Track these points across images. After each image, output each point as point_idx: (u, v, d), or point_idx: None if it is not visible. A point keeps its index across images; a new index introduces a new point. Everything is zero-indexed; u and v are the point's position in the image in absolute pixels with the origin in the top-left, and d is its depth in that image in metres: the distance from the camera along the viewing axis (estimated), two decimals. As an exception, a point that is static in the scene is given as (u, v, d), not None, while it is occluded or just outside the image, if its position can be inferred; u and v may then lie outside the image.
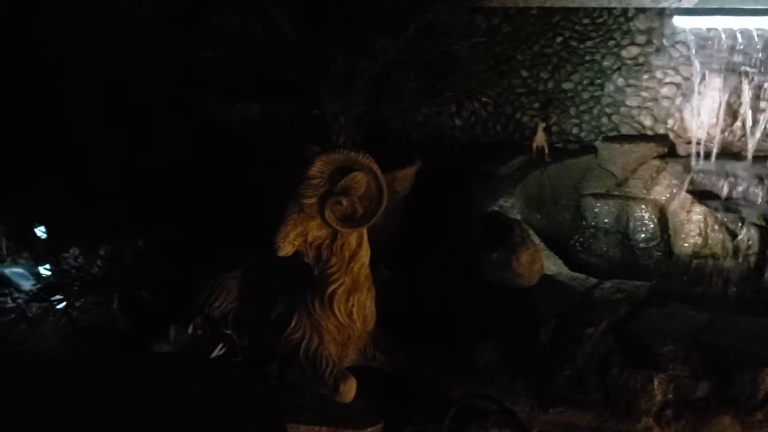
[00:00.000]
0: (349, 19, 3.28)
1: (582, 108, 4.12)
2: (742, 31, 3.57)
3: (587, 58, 4.01)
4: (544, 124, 4.02)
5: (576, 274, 2.88)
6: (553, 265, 2.99)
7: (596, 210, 3.93)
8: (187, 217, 3.42)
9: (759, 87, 3.71)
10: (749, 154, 3.79)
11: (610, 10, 3.89)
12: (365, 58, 3.28)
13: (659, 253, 3.78)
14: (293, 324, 2.47)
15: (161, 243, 3.30)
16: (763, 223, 3.52)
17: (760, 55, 3.61)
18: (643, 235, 3.84)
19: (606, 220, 3.91)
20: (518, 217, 3.44)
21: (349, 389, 2.39)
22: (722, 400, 2.23)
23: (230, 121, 3.92)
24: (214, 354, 2.57)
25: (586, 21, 3.95)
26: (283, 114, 3.87)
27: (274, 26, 3.28)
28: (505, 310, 2.58)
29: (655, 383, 2.24)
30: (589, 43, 3.99)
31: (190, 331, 2.65)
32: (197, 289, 2.74)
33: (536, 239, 3.19)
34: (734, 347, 2.32)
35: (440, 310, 2.72)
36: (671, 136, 4.00)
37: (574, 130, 4.17)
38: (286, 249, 2.30)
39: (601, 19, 3.93)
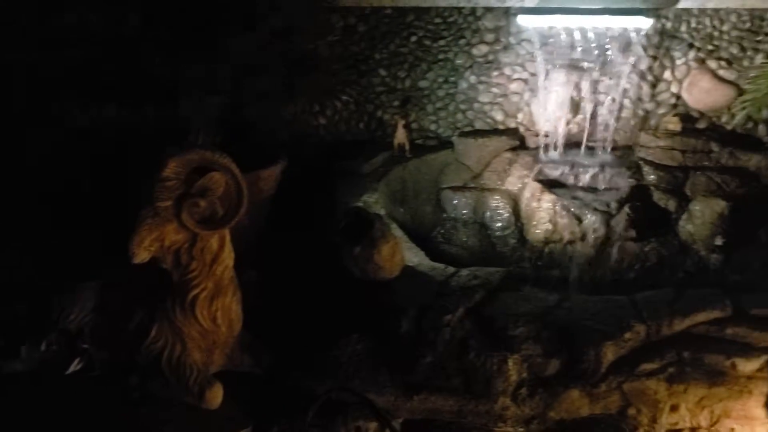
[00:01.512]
0: (207, 19, 3.22)
1: (438, 105, 4.26)
2: (579, 29, 3.82)
3: (441, 56, 4.15)
4: (403, 122, 4.12)
5: (436, 264, 2.97)
6: (414, 256, 3.08)
7: (455, 202, 4.09)
8: (47, 228, 3.22)
9: (597, 82, 4.00)
10: (591, 145, 4.08)
11: (459, 9, 4.05)
12: (225, 57, 3.23)
13: (514, 241, 3.98)
14: (154, 333, 2.38)
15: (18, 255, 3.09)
16: (606, 208, 3.79)
17: (596, 51, 3.89)
18: (499, 224, 4.03)
19: (464, 212, 4.08)
20: (382, 212, 3.51)
21: (215, 395, 2.35)
22: (571, 375, 2.40)
23: (87, 122, 3.73)
24: (70, 370, 2.45)
25: (438, 20, 4.09)
26: (143, 115, 3.73)
27: (131, 28, 3.16)
28: (369, 303, 2.63)
29: (510, 364, 2.36)
30: (441, 42, 4.13)
31: (43, 348, 2.51)
32: (51, 302, 2.60)
33: (398, 232, 3.28)
34: (581, 325, 2.48)
35: (307, 307, 2.73)
36: (521, 129, 4.23)
37: (432, 127, 4.32)
38: (141, 255, 2.21)
39: (452, 19, 4.08)
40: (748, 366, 2.37)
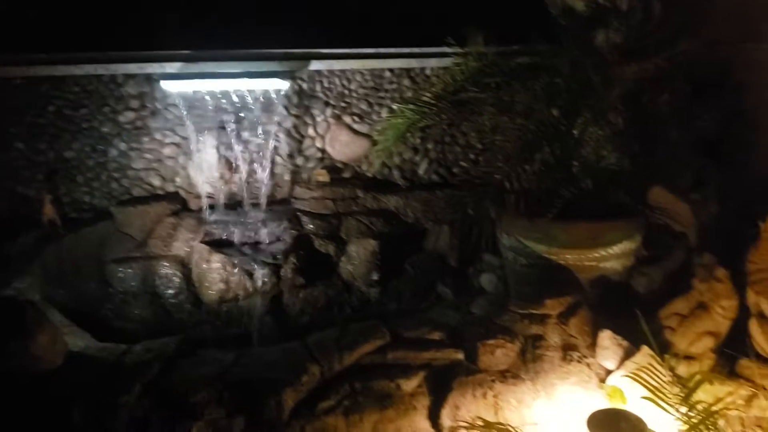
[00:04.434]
0: None
1: (89, 175, 4.07)
2: (223, 92, 3.98)
3: (85, 125, 3.98)
4: (51, 196, 3.83)
5: (105, 345, 2.81)
6: (80, 340, 2.88)
7: (121, 275, 3.92)
8: None
9: (246, 142, 4.18)
10: (252, 201, 4.25)
11: (98, 77, 3.92)
12: None
13: (189, 305, 3.94)
14: None
15: None
16: (273, 260, 3.96)
17: (242, 113, 4.08)
18: (171, 291, 3.95)
19: (133, 283, 3.92)
20: (37, 297, 3.22)
21: None
22: (258, 428, 2.43)
23: None
24: None
25: (76, 89, 3.92)
26: None
27: None
28: (34, 400, 2.38)
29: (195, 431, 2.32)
30: (84, 111, 3.96)
31: None
32: None
33: (58, 317, 3.05)
34: (259, 377, 2.54)
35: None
36: (181, 192, 4.24)
37: (86, 198, 4.10)
38: None
39: (91, 87, 3.94)
40: (409, 384, 2.63)
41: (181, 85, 3.91)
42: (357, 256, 4.10)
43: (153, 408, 2.37)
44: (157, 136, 4.12)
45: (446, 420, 2.54)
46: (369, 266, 4.06)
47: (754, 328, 2.65)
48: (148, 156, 4.13)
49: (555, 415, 2.55)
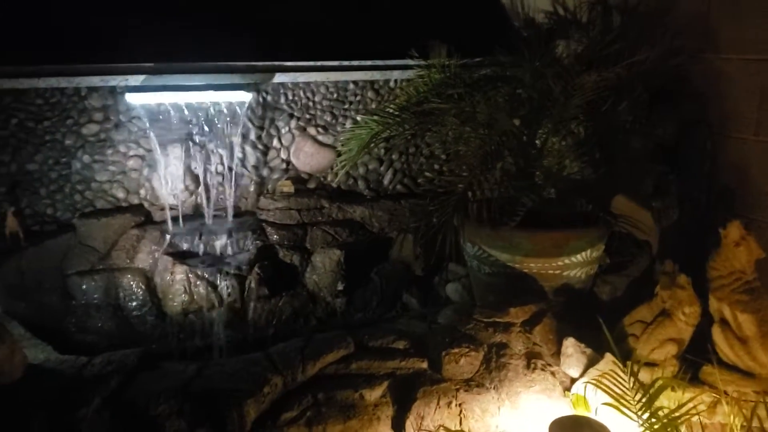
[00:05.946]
0: None
1: (52, 188, 4.00)
2: (187, 105, 3.96)
3: (48, 138, 3.92)
4: (13, 209, 3.78)
5: (66, 357, 2.77)
6: (40, 352, 2.86)
7: (84, 287, 3.88)
8: None
9: (212, 153, 4.17)
10: (216, 213, 4.23)
11: (62, 90, 3.87)
12: None
13: (153, 317, 3.90)
14: None
15: None
16: (238, 271, 3.94)
17: (207, 125, 4.06)
18: (134, 303, 3.92)
19: (95, 296, 3.88)
20: (-2, 309, 3.18)
21: None
22: (219, 441, 2.40)
23: None
24: None
25: (39, 102, 3.85)
26: None
27: None
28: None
29: (154, 445, 2.29)
30: (47, 124, 3.89)
31: None
32: None
33: (19, 330, 3.03)
34: (221, 389, 2.51)
35: None
36: (146, 205, 4.20)
37: (49, 211, 4.03)
38: None
39: (54, 99, 3.88)
40: (373, 394, 2.63)
41: (145, 98, 3.87)
42: (322, 266, 4.09)
43: (113, 421, 2.34)
44: (121, 148, 4.07)
45: (410, 430, 2.53)
46: (334, 276, 4.05)
47: (716, 334, 2.70)
48: (111, 168, 4.08)
49: (519, 424, 2.56)
